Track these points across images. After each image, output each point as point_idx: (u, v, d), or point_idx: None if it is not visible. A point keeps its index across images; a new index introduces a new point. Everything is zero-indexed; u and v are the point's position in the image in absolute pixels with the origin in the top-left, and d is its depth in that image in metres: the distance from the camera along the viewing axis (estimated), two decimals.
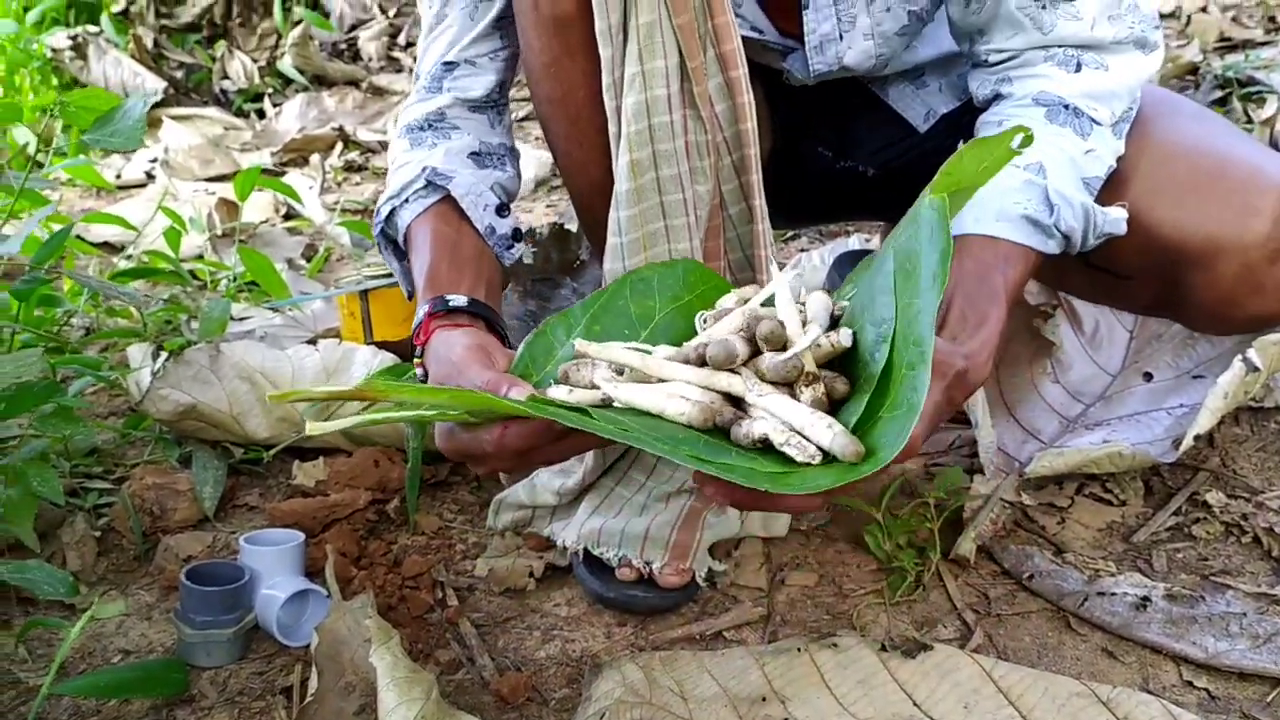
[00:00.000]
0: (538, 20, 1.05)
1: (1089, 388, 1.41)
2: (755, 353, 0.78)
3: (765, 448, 0.73)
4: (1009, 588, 1.12)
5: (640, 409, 0.77)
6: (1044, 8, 1.02)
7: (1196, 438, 1.19)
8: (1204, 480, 1.25)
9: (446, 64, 1.17)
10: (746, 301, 0.88)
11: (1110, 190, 1.04)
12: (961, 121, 1.23)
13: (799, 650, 1.00)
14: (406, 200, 1.12)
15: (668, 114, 1.02)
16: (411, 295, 1.22)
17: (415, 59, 3.60)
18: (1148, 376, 1.40)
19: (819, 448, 0.69)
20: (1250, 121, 2.26)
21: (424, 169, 1.12)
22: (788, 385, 0.75)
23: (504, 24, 1.15)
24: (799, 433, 0.71)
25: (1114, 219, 1.01)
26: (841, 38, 1.12)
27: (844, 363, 0.77)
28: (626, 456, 1.21)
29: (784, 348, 0.77)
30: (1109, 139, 1.03)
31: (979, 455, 1.25)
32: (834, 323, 0.81)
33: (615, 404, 0.78)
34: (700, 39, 1.03)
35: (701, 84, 1.03)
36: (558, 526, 1.21)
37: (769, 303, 0.85)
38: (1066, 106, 1.02)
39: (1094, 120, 1.02)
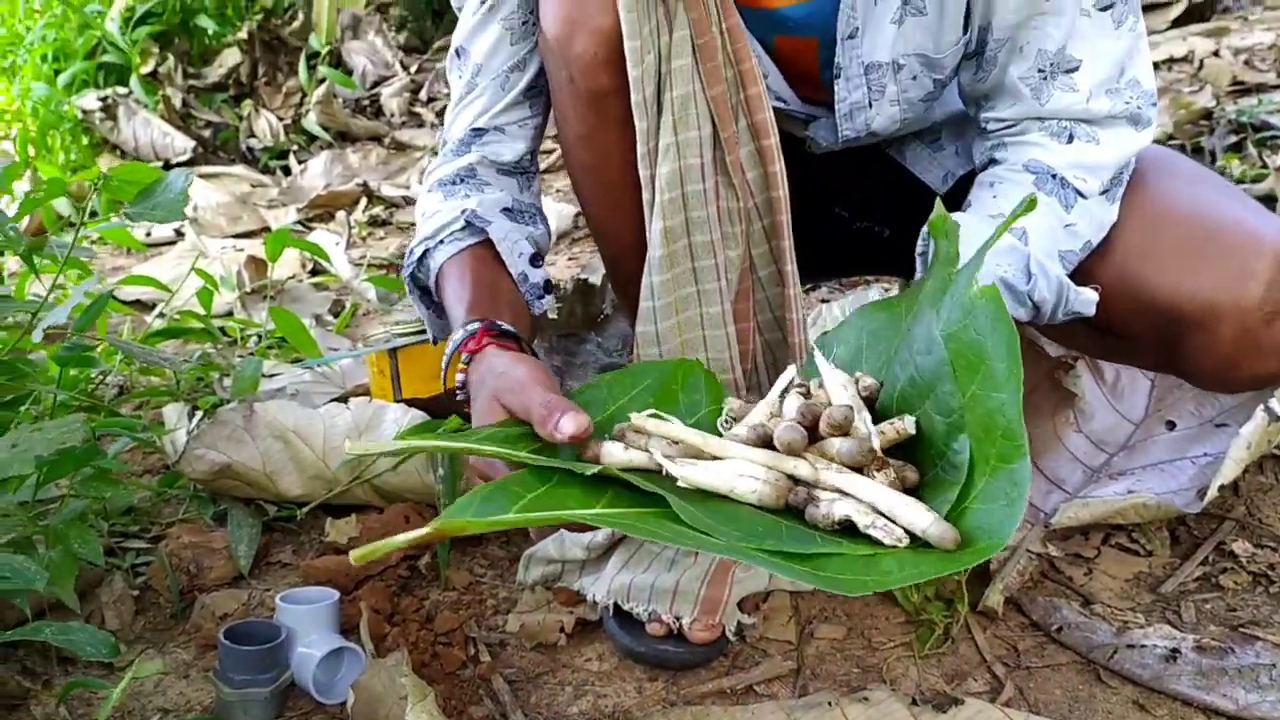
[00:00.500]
0: (574, 94, 1.09)
1: (1112, 437, 1.42)
2: (812, 438, 0.77)
3: (843, 531, 0.71)
4: (1038, 640, 1.12)
5: (703, 487, 0.75)
6: (1045, 79, 1.06)
7: (1221, 487, 1.20)
8: (1230, 530, 1.25)
9: (476, 130, 1.20)
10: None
11: (1105, 253, 1.06)
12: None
13: (830, 704, 1.01)
14: (441, 241, 1.14)
15: (700, 182, 1.05)
16: (438, 340, 1.25)
17: (436, 114, 3.63)
18: (1170, 425, 1.41)
19: (906, 531, 0.68)
20: (1265, 166, 2.28)
21: (463, 211, 1.14)
22: (856, 471, 0.74)
23: (533, 93, 1.19)
24: (883, 515, 0.69)
25: (1085, 299, 1.03)
26: (871, 105, 1.15)
27: (901, 450, 0.76)
28: None
29: (845, 434, 0.75)
30: (1094, 211, 1.06)
31: None
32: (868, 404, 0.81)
33: (677, 482, 0.76)
34: (732, 109, 1.06)
35: (734, 153, 1.06)
36: (587, 581, 1.22)
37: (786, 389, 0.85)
38: (1054, 176, 1.05)
39: (1079, 193, 1.05)
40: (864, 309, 0.92)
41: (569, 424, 0.79)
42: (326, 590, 1.19)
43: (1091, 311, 1.04)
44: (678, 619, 1.13)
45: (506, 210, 1.19)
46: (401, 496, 1.40)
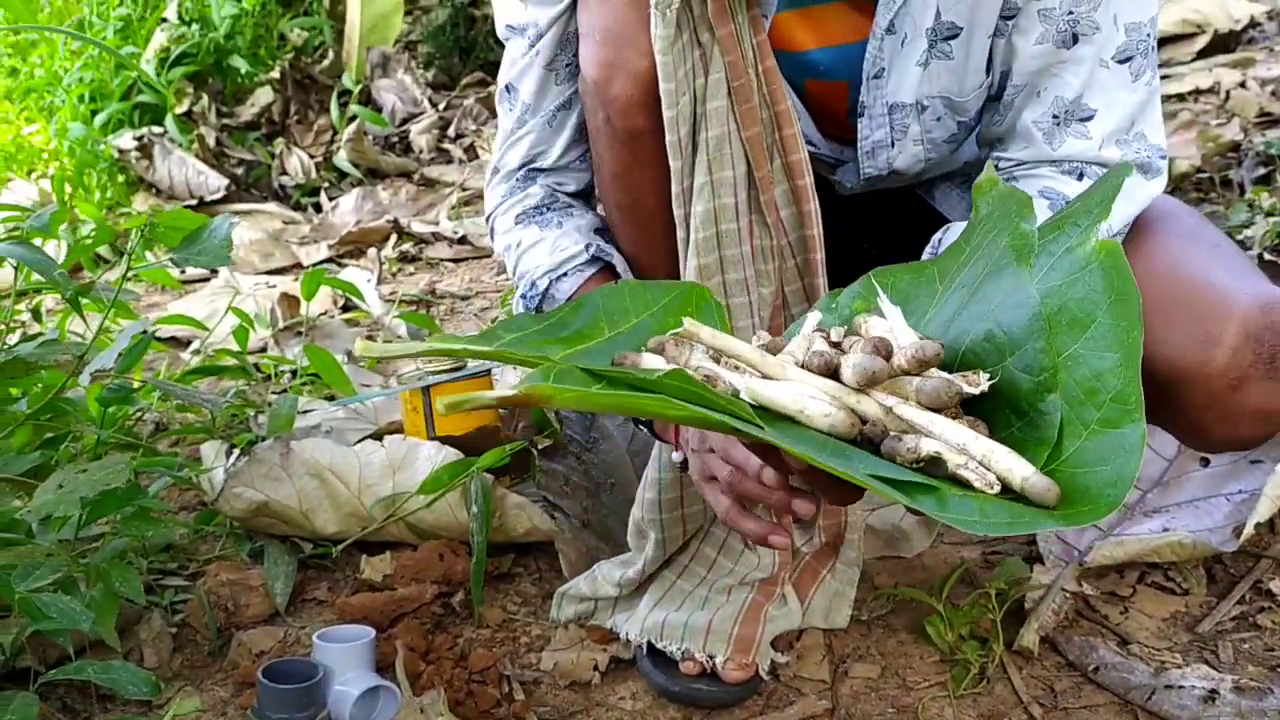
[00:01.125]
0: (611, 134, 1.11)
1: (1145, 473, 1.41)
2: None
3: (923, 469, 0.65)
4: (1074, 680, 1.12)
5: (769, 406, 0.68)
6: (1058, 125, 1.06)
7: (1257, 525, 1.19)
8: (1267, 568, 1.24)
9: (535, 169, 1.23)
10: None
11: None
12: None
13: None
14: (565, 274, 1.17)
15: (734, 220, 1.06)
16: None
17: (464, 150, 3.64)
18: (1204, 461, 1.40)
19: (998, 478, 0.63)
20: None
21: (588, 244, 1.17)
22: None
23: (585, 131, 1.21)
24: (975, 459, 0.64)
25: None
26: (893, 145, 1.16)
27: (968, 408, 0.70)
28: (687, 550, 1.23)
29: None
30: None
31: (1037, 543, 1.26)
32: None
33: (741, 396, 0.69)
34: (767, 149, 1.08)
35: (768, 192, 1.08)
36: (620, 619, 1.23)
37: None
38: (1069, 202, 1.05)
39: None
40: (881, 271, 0.85)
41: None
42: (362, 628, 1.20)
43: None
44: (711, 658, 1.14)
45: (598, 231, 1.22)
46: (435, 534, 1.41)
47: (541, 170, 1.23)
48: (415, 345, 0.68)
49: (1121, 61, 1.04)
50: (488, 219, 1.28)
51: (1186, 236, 1.09)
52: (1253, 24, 3.97)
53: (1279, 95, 3.18)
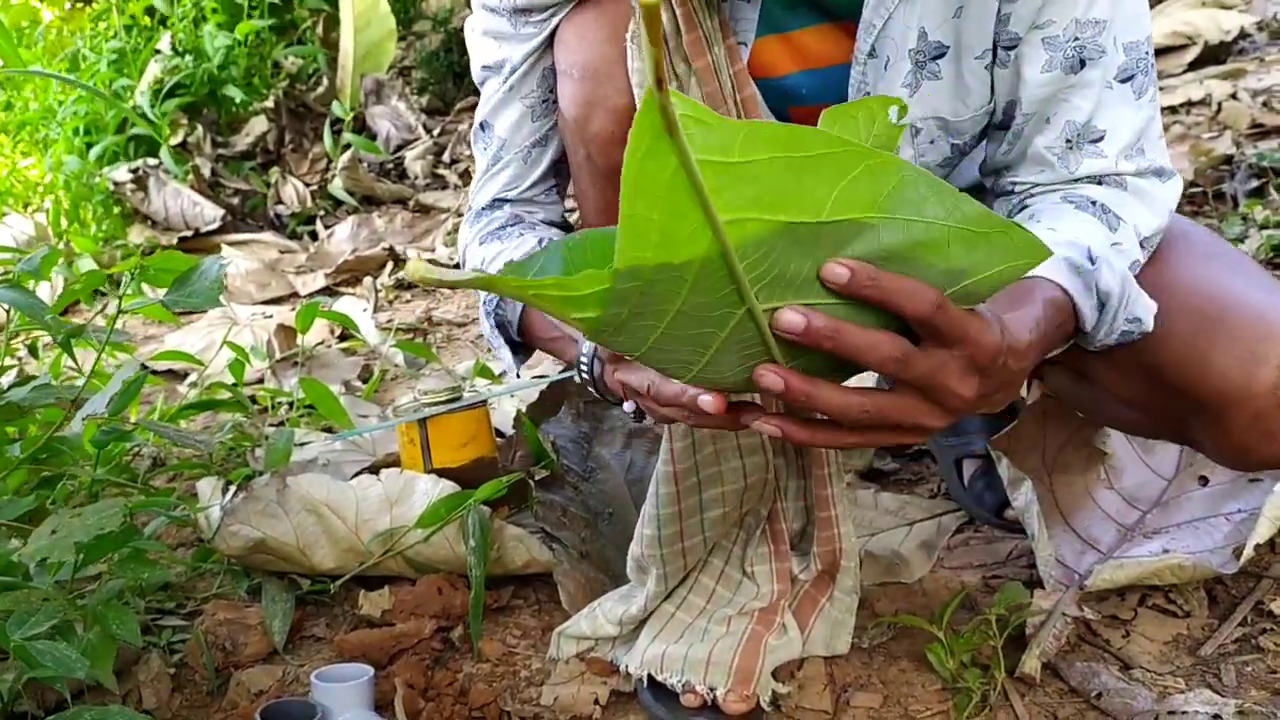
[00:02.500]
0: (593, 170, 1.11)
1: (1144, 493, 1.41)
2: None
3: None
4: (1078, 706, 1.11)
5: None
6: (1071, 148, 1.07)
7: (1256, 546, 1.19)
8: (1268, 588, 1.24)
9: (500, 200, 1.23)
10: None
11: None
12: None
13: None
14: None
15: None
16: (519, 372, 1.27)
17: (459, 176, 3.67)
18: (1203, 480, 1.40)
19: None
20: None
21: (540, 240, 1.16)
22: None
23: (560, 166, 1.21)
24: None
25: (1145, 304, 1.01)
26: None
27: None
28: (685, 581, 1.23)
29: None
30: (1135, 243, 1.05)
31: (1038, 567, 1.25)
32: None
33: None
34: None
35: None
36: (620, 652, 1.22)
37: None
38: (1094, 203, 1.05)
39: (1121, 219, 1.04)
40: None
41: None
42: (361, 666, 1.19)
43: (1150, 323, 1.00)
44: (712, 689, 1.13)
45: (566, 233, 1.22)
46: (434, 568, 1.40)
47: (509, 200, 1.23)
48: (464, 274, 0.61)
49: (1124, 81, 1.04)
50: (461, 260, 1.27)
51: (1210, 256, 1.09)
52: (1243, 35, 3.99)
53: (1270, 106, 3.18)
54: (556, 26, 1.14)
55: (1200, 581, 1.24)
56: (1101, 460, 1.41)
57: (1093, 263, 0.96)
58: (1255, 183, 2.51)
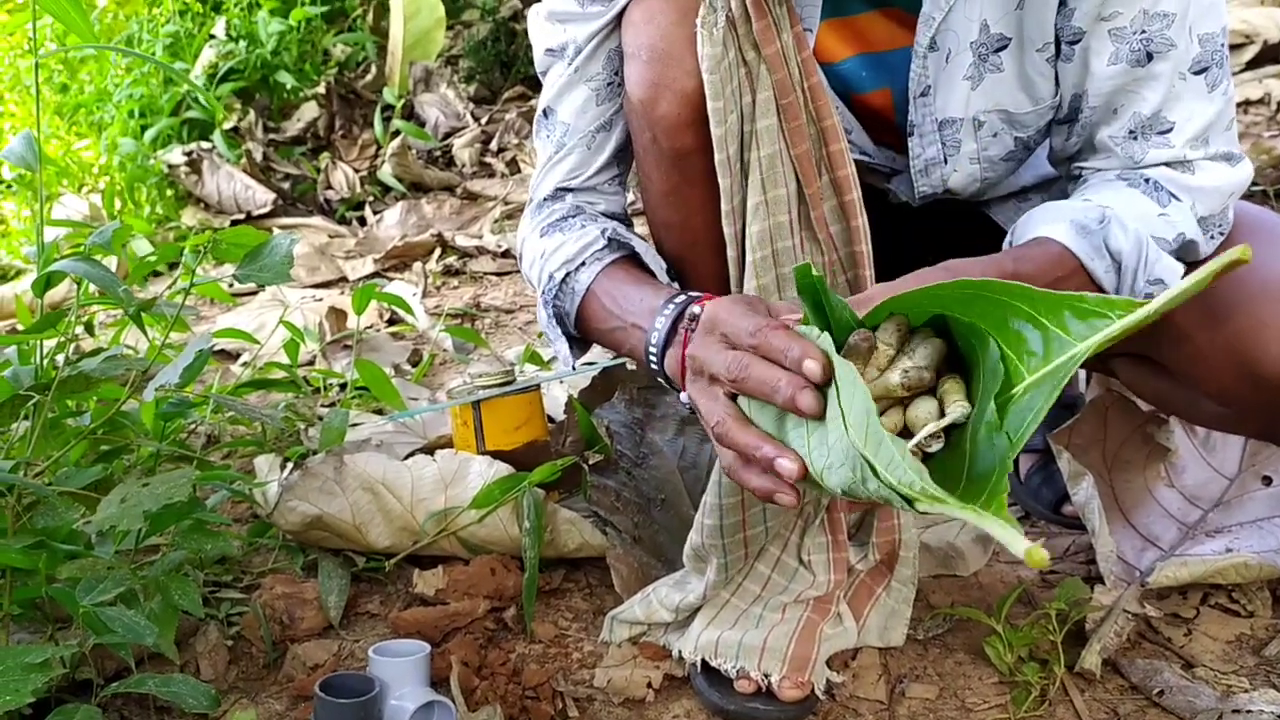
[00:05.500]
0: (659, 153, 1.11)
1: (1205, 492, 1.39)
2: None
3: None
4: (1138, 704, 1.10)
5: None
6: (1135, 139, 1.06)
7: None
8: None
9: (562, 189, 1.22)
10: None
11: (1211, 323, 1.03)
12: None
13: None
14: (583, 263, 1.15)
15: (789, 238, 1.06)
16: (575, 366, 1.26)
17: (506, 164, 3.67)
18: (1267, 480, 1.38)
19: None
20: None
21: (604, 231, 1.15)
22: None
23: (623, 155, 1.21)
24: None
25: (1169, 267, 1.00)
26: (946, 161, 1.15)
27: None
28: (741, 569, 1.23)
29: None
30: (1189, 218, 1.04)
31: (1098, 564, 1.24)
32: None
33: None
34: (816, 165, 1.07)
35: (818, 208, 1.07)
36: (674, 637, 1.22)
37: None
38: (1147, 180, 1.05)
39: (1175, 197, 1.04)
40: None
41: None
42: (418, 643, 1.20)
43: (1177, 281, 0.98)
44: (766, 676, 1.13)
45: (628, 226, 1.21)
46: (487, 549, 1.41)
47: (571, 190, 1.22)
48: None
49: (1198, 73, 1.03)
50: (519, 251, 1.26)
51: None
52: None
53: None
54: (624, 8, 1.13)
55: (1264, 581, 1.23)
56: (1163, 457, 1.40)
57: (1102, 223, 0.98)
58: None
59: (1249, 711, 1.03)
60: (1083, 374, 1.54)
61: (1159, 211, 1.02)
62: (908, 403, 0.78)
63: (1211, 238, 1.07)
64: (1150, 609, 1.20)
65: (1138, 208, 1.02)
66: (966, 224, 1.30)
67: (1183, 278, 1.00)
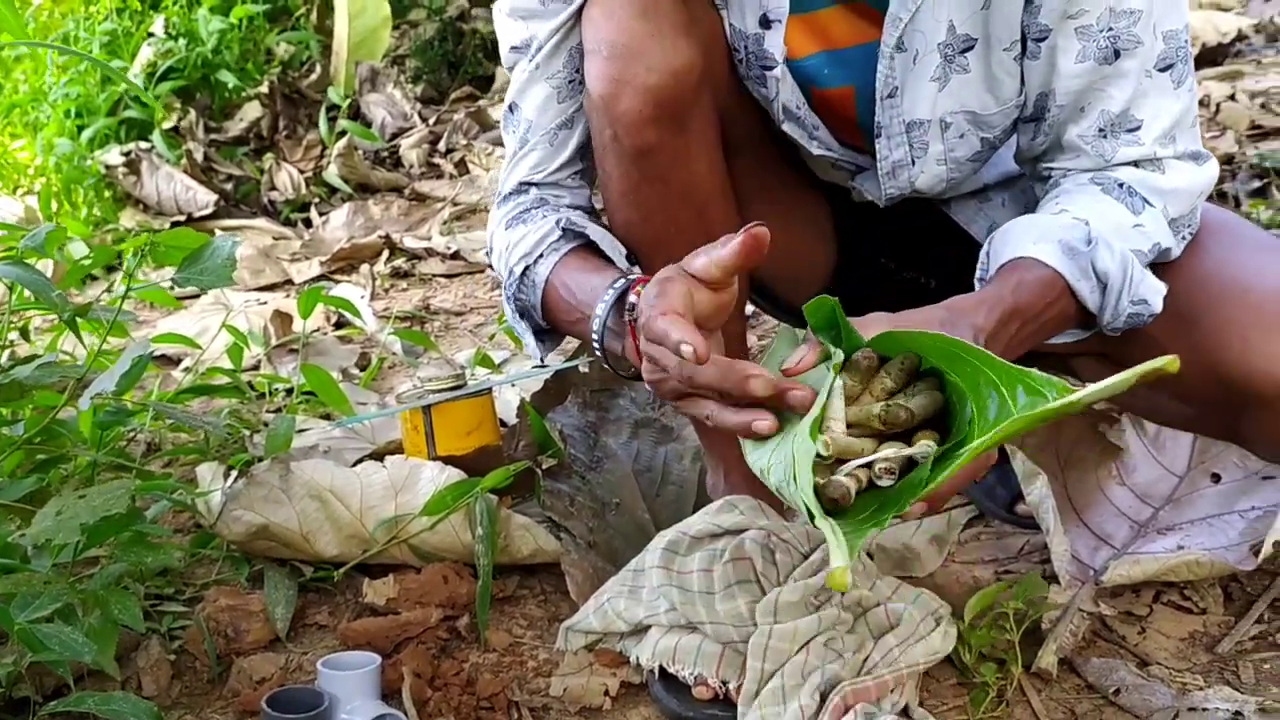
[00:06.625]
0: (619, 151, 1.09)
1: (1156, 490, 1.40)
2: None
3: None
4: (1095, 703, 1.10)
5: None
6: (1104, 136, 1.06)
7: (1275, 543, 1.18)
8: None
9: (526, 183, 1.20)
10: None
11: (1176, 325, 1.04)
12: None
13: None
14: (541, 255, 1.13)
15: None
16: (544, 360, 1.24)
17: (455, 165, 3.62)
18: (1215, 478, 1.39)
19: None
20: None
21: (558, 220, 1.14)
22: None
23: (586, 150, 1.19)
24: None
25: (1153, 286, 1.01)
26: (914, 163, 1.15)
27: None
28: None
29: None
30: (1162, 225, 1.04)
31: (1052, 563, 1.24)
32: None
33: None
34: None
35: None
36: (630, 643, 1.20)
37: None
38: (1121, 185, 1.05)
39: (1148, 202, 1.04)
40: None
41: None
42: (368, 655, 1.17)
43: (1159, 305, 1.02)
44: (724, 683, 1.12)
45: (589, 211, 1.20)
46: (439, 556, 1.39)
47: (535, 184, 1.20)
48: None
49: (1163, 69, 1.03)
50: (489, 246, 1.25)
51: (1261, 248, 1.09)
52: (1240, 37, 3.99)
53: (1269, 108, 3.19)
54: (583, 4, 1.12)
55: (1216, 578, 1.24)
56: (1114, 456, 1.41)
57: (1090, 243, 0.97)
58: (1257, 183, 2.51)
59: (1204, 709, 1.04)
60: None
61: (1134, 222, 1.02)
62: (883, 439, 0.81)
63: (1183, 239, 1.07)
64: (1105, 607, 1.21)
65: (1114, 218, 1.02)
66: (927, 221, 1.30)
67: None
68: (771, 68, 1.13)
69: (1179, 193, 1.05)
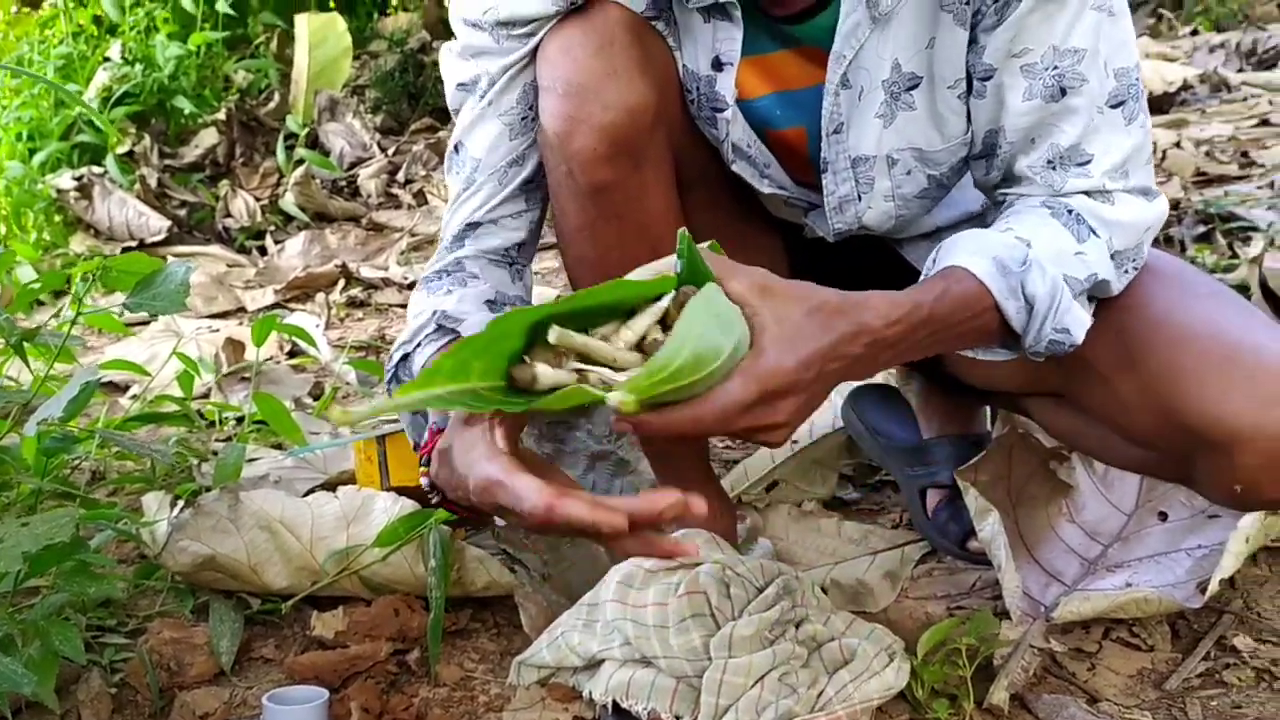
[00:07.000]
0: (574, 188, 1.10)
1: (1105, 527, 1.42)
2: None
3: None
4: None
5: None
6: (1053, 169, 1.07)
7: (1219, 581, 1.20)
8: (1229, 624, 1.25)
9: (471, 224, 1.20)
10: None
11: (1128, 369, 1.05)
12: None
13: None
14: (419, 344, 1.13)
15: None
16: (419, 446, 1.23)
17: (413, 195, 3.64)
18: (1163, 516, 1.41)
19: None
20: (1235, 256, 2.33)
21: (435, 313, 1.13)
22: None
23: (531, 188, 1.19)
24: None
25: (1078, 318, 1.01)
26: (860, 199, 1.16)
27: None
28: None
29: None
30: (1104, 257, 1.04)
31: (1004, 599, 1.25)
32: None
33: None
34: None
35: None
36: (583, 678, 1.19)
37: None
38: (1070, 211, 1.05)
39: (1093, 231, 1.04)
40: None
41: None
42: (315, 689, 1.15)
43: (1081, 336, 1.02)
44: (678, 717, 1.11)
45: (489, 302, 1.18)
46: (390, 588, 1.37)
47: (477, 224, 1.19)
48: (380, 404, 0.78)
49: (1114, 106, 1.04)
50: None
51: (1213, 294, 1.10)
52: (1185, 86, 4.11)
53: (1213, 156, 3.28)
54: (538, 43, 1.12)
55: (1164, 616, 1.25)
56: (1065, 493, 1.42)
57: (1024, 264, 0.98)
58: (1202, 228, 2.57)
59: None
60: (988, 411, 1.57)
61: (1076, 249, 1.03)
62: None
63: (1125, 272, 1.08)
64: (1055, 644, 1.22)
65: (1057, 243, 1.02)
66: (880, 259, 1.32)
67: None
68: (722, 109, 1.15)
69: (1125, 226, 1.05)
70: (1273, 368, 1.00)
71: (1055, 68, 1.03)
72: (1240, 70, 4.16)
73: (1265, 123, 3.47)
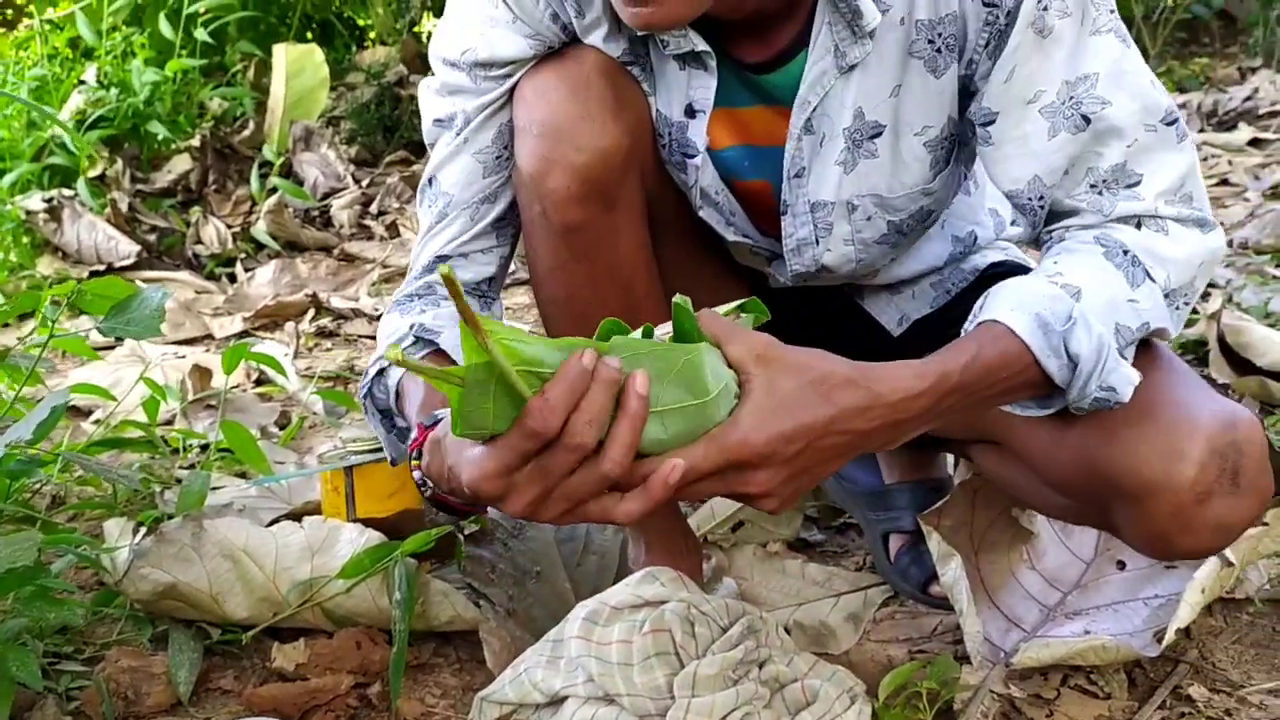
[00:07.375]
0: (547, 228, 1.11)
1: (1065, 575, 1.44)
2: None
3: None
4: None
5: None
6: (1099, 193, 1.04)
7: (1175, 631, 1.21)
8: (1184, 673, 1.27)
9: (441, 257, 1.21)
10: None
11: (1055, 416, 1.02)
12: (933, 327, 1.28)
13: None
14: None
15: None
16: (396, 462, 1.22)
17: (386, 227, 3.63)
18: (1121, 565, 1.43)
19: None
20: (1195, 313, 2.37)
21: (413, 325, 1.14)
22: None
23: (502, 225, 1.21)
24: None
25: (1125, 376, 0.97)
26: (818, 242, 1.18)
27: None
28: None
29: None
30: (1159, 303, 1.01)
31: (965, 644, 1.26)
32: None
33: None
34: None
35: None
36: (546, 715, 1.19)
37: None
38: (1126, 252, 1.01)
39: (1149, 274, 1.01)
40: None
41: None
42: None
43: (1128, 395, 0.97)
44: None
45: (486, 296, 1.19)
46: (353, 621, 1.36)
47: (446, 258, 1.20)
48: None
49: (1169, 124, 1.02)
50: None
51: (1152, 357, 1.06)
52: None
53: None
54: (515, 84, 1.14)
55: (1121, 663, 1.27)
56: (1026, 540, 1.44)
57: (1069, 321, 0.94)
58: None
59: None
60: (951, 458, 1.59)
61: (1129, 296, 0.99)
62: None
63: (1177, 309, 1.05)
64: (1014, 689, 1.23)
65: (1109, 290, 0.98)
66: (840, 309, 1.34)
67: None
68: (693, 156, 1.17)
69: (1180, 262, 1.02)
70: (1185, 424, 1.00)
71: (1071, 98, 1.01)
72: (1201, 130, 4.24)
73: (1225, 182, 3.54)
